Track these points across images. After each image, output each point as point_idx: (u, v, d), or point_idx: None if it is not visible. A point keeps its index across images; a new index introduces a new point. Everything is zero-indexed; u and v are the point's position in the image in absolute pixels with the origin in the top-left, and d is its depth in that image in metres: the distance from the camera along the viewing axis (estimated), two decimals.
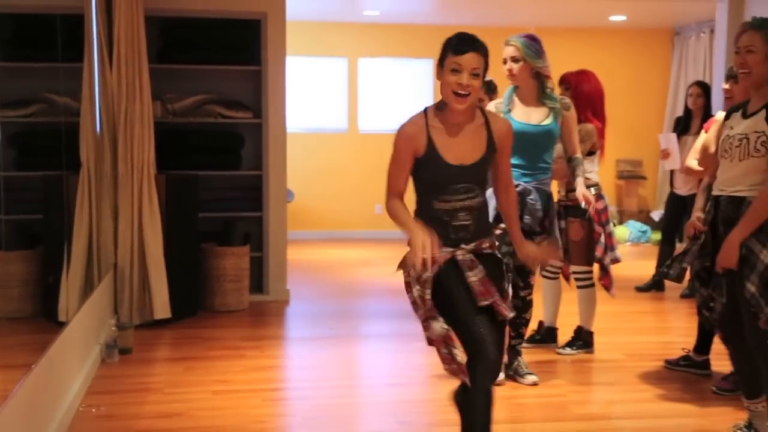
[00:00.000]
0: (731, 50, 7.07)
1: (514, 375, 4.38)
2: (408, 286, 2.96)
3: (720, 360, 4.50)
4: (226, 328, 5.63)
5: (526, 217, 4.15)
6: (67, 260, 4.46)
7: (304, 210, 10.02)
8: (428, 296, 2.86)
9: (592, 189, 4.82)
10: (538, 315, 5.12)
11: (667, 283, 6.69)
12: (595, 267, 4.90)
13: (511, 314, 3.00)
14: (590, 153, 4.81)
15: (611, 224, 4.91)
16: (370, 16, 9.63)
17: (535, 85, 4.21)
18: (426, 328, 2.94)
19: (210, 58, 6.31)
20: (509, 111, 4.21)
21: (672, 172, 6.64)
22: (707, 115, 6.37)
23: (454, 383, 3.82)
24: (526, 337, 5.07)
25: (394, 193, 2.96)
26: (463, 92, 2.82)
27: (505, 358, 4.12)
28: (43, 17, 4.70)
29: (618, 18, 9.79)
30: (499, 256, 3.06)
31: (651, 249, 9.00)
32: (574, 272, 4.93)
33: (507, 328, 3.23)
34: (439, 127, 2.90)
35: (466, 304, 2.86)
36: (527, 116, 4.21)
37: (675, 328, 5.98)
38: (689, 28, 10.21)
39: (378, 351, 5.33)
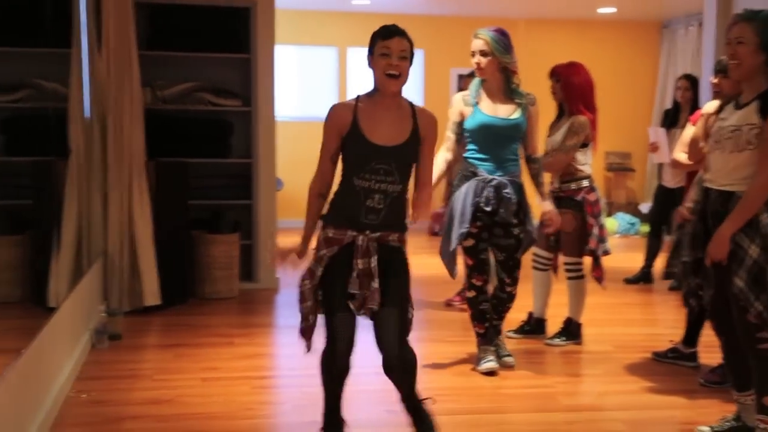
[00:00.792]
0: (720, 43, 7.13)
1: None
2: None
3: (708, 352, 4.53)
4: (215, 315, 5.62)
5: (502, 210, 4.17)
6: (57, 246, 4.43)
7: (293, 198, 9.96)
8: (319, 272, 3.09)
9: (585, 181, 4.84)
10: (527, 306, 5.14)
11: (656, 275, 6.73)
12: (587, 259, 4.92)
13: (372, 307, 3.07)
14: (583, 145, 4.82)
15: (603, 216, 4.93)
16: (359, 5, 9.60)
17: (501, 79, 4.20)
18: (303, 299, 3.20)
19: (200, 45, 6.27)
20: (477, 103, 4.22)
21: (661, 165, 6.67)
22: (695, 108, 6.38)
23: (446, 373, 3.84)
24: (515, 328, 5.11)
25: (319, 174, 3.15)
26: (394, 72, 2.98)
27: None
28: (31, 1, 4.65)
29: (607, 10, 9.79)
30: (404, 251, 3.14)
31: (639, 241, 9.04)
32: (565, 263, 4.95)
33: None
34: (367, 110, 3.05)
35: (338, 296, 3.08)
36: (495, 110, 4.21)
37: (663, 320, 6.01)
38: (678, 21, 10.23)
39: (367, 339, 5.30)
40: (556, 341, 4.99)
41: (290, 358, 4.88)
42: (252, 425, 3.66)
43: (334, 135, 3.08)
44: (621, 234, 9.97)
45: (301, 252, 3.20)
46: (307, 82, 10.27)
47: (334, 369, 3.21)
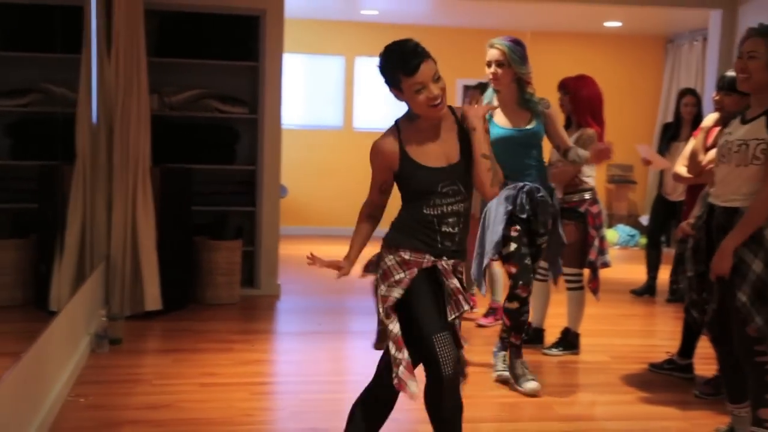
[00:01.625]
0: (724, 59, 7.13)
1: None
2: (375, 288, 2.92)
3: (703, 364, 4.51)
4: (216, 321, 5.62)
5: (539, 214, 4.10)
6: (60, 250, 4.43)
7: (297, 205, 10.00)
8: (396, 295, 2.80)
9: (588, 193, 4.83)
10: None
11: (659, 288, 6.70)
12: (586, 270, 4.91)
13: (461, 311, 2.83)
14: None
15: (604, 228, 4.92)
16: (368, 15, 9.61)
17: (515, 89, 4.15)
18: (380, 330, 2.93)
19: (208, 52, 6.29)
20: (491, 117, 4.14)
21: (663, 177, 6.64)
22: (698, 123, 6.39)
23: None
24: None
25: (370, 201, 2.96)
26: (437, 103, 2.76)
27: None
28: (43, 8, 4.67)
29: (613, 24, 9.79)
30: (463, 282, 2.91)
31: (639, 253, 9.01)
32: (566, 274, 4.93)
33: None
34: (412, 137, 2.84)
35: (432, 318, 2.78)
36: (509, 121, 4.17)
37: (660, 331, 5.99)
38: (682, 36, 10.21)
39: (366, 347, 5.27)
40: (554, 351, 4.98)
41: (289, 365, 4.88)
42: (250, 430, 3.65)
43: (383, 171, 2.87)
44: (621, 246, 9.95)
45: (345, 271, 2.91)
46: (314, 90, 10.28)
47: (447, 400, 2.80)
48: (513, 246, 4.10)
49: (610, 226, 10.26)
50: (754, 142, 3.20)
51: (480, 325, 5.64)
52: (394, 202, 2.97)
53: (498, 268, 5.38)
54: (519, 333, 4.29)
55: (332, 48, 10.16)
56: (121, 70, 5.31)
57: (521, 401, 4.14)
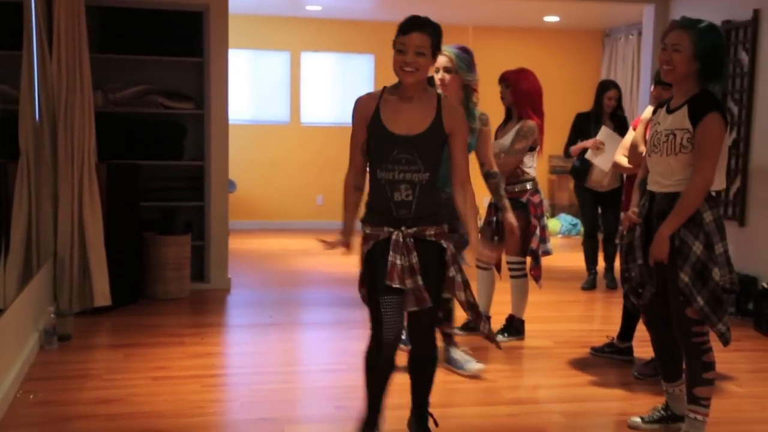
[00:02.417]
0: (657, 51, 7.24)
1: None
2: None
3: (641, 347, 4.62)
4: (167, 315, 5.57)
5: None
6: (5, 247, 4.34)
7: (245, 200, 9.94)
8: (360, 267, 3.07)
9: (528, 184, 4.90)
10: None
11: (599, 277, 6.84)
12: (528, 258, 4.99)
13: (418, 307, 3.01)
14: (531, 149, 4.88)
15: (545, 217, 5.00)
16: (312, 11, 9.58)
17: (461, 96, 4.17)
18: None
19: (153, 48, 6.21)
20: None
21: (591, 168, 6.51)
22: (616, 116, 6.52)
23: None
24: (459, 325, 5.15)
25: (351, 167, 3.12)
26: (408, 69, 2.94)
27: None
28: None
29: (552, 18, 9.93)
30: (443, 245, 3.05)
31: (580, 241, 9.16)
32: (509, 262, 5.01)
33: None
34: (389, 100, 3.01)
35: (379, 283, 2.98)
36: None
37: (601, 317, 6.12)
38: (618, 30, 10.40)
39: (317, 338, 5.33)
40: (500, 337, 5.05)
41: (241, 357, 4.87)
42: (201, 422, 3.63)
43: (361, 125, 3.03)
44: (563, 235, 10.11)
45: (345, 243, 3.15)
46: (261, 85, 10.22)
47: (380, 361, 3.08)
48: None
49: (552, 215, 10.41)
50: (680, 132, 3.27)
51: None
52: None
53: None
54: (449, 322, 4.42)
55: (278, 44, 10.11)
56: (63, 66, 5.21)
57: (468, 387, 4.19)
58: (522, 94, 4.89)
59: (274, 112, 10.28)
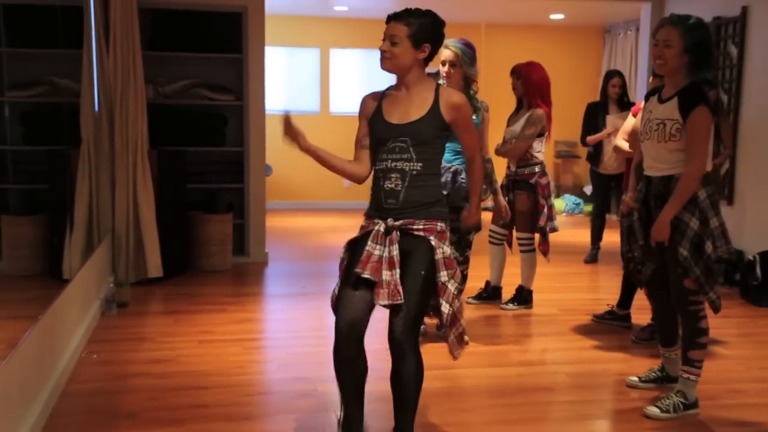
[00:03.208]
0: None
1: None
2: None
3: (639, 314, 4.62)
4: (211, 285, 5.62)
5: (452, 195, 4.00)
6: (70, 225, 4.41)
7: (281, 182, 9.98)
8: (344, 257, 2.79)
9: (538, 167, 4.88)
10: (485, 276, 5.20)
11: (603, 252, 6.79)
12: (537, 234, 4.98)
13: (390, 302, 2.61)
14: (540, 135, 4.85)
15: (552, 197, 4.99)
16: (340, 11, 9.54)
17: (462, 87, 4.13)
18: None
19: (198, 46, 6.23)
20: None
21: (602, 153, 6.50)
22: (622, 101, 6.46)
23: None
24: (474, 295, 5.17)
25: (354, 155, 2.89)
26: (383, 56, 2.74)
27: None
28: (47, 8, 4.60)
29: (557, 16, 9.82)
30: (432, 243, 2.68)
31: (584, 219, 9.15)
32: (519, 238, 5.00)
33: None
34: (390, 94, 2.82)
35: (351, 277, 2.67)
36: None
37: (603, 287, 6.08)
38: (618, 26, 10.27)
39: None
40: (510, 306, 5.06)
41: (277, 323, 4.92)
42: (242, 381, 3.68)
43: (364, 120, 2.84)
44: (567, 213, 10.05)
45: (303, 140, 2.86)
46: (293, 79, 10.21)
47: (338, 355, 2.69)
48: None
49: (557, 195, 10.36)
50: (670, 122, 3.23)
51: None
52: None
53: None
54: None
55: (309, 41, 10.08)
56: (118, 63, 5.25)
57: (481, 350, 4.20)
58: (532, 84, 4.86)
59: (306, 103, 10.27)
